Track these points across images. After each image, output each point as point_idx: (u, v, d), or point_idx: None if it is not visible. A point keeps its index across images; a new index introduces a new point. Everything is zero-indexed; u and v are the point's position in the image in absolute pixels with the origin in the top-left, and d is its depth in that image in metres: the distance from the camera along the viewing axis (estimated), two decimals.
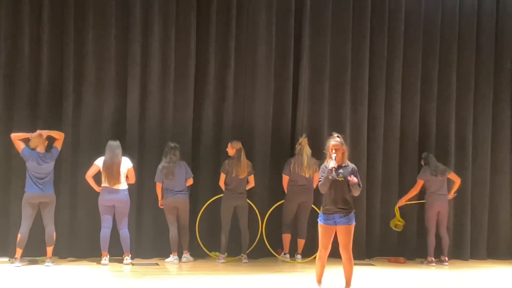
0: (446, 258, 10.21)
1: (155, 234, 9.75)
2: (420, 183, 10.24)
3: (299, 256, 9.91)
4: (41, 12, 9.48)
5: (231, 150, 9.66)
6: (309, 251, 9.76)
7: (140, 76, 9.79)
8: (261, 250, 9.99)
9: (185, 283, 8.18)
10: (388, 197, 10.57)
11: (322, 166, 7.27)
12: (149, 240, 9.74)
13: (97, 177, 9.17)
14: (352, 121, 10.53)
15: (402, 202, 10.32)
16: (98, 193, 9.15)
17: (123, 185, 9.18)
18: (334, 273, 8.01)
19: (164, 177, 9.44)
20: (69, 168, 9.47)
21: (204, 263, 9.59)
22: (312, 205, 9.92)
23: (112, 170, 9.08)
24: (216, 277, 8.54)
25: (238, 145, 9.66)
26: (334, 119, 10.47)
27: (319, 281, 7.32)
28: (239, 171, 9.60)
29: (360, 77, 10.58)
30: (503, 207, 11.13)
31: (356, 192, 7.17)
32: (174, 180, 9.44)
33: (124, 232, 9.16)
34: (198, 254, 9.80)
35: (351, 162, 7.37)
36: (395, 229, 10.33)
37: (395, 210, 10.32)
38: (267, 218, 9.93)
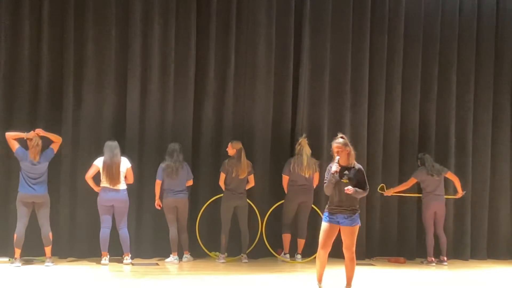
0: (445, 258, 10.23)
1: (155, 234, 9.75)
2: (412, 180, 10.29)
3: (299, 256, 9.91)
4: (41, 12, 9.47)
5: (231, 150, 9.66)
6: (309, 251, 9.77)
7: (140, 76, 9.78)
8: (261, 250, 9.99)
9: (185, 283, 8.17)
10: (388, 197, 10.55)
11: (328, 167, 7.28)
12: (149, 240, 9.74)
13: (96, 177, 9.17)
14: (352, 121, 10.53)
15: (390, 192, 10.37)
16: (97, 193, 9.15)
17: (122, 185, 9.19)
18: (335, 273, 8.02)
19: (167, 176, 9.43)
20: (69, 168, 9.47)
21: (204, 263, 9.59)
22: (312, 205, 9.93)
23: (112, 170, 9.08)
24: (216, 277, 8.53)
25: (239, 145, 9.65)
26: (334, 119, 10.48)
27: (320, 280, 7.32)
28: (239, 171, 9.59)
29: (360, 77, 10.58)
30: (503, 207, 11.14)
31: (358, 196, 7.17)
32: (177, 180, 9.43)
33: (124, 232, 9.16)
34: (198, 254, 9.81)
35: None
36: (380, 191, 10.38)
37: (379, 190, 10.33)
38: (267, 218, 9.94)
